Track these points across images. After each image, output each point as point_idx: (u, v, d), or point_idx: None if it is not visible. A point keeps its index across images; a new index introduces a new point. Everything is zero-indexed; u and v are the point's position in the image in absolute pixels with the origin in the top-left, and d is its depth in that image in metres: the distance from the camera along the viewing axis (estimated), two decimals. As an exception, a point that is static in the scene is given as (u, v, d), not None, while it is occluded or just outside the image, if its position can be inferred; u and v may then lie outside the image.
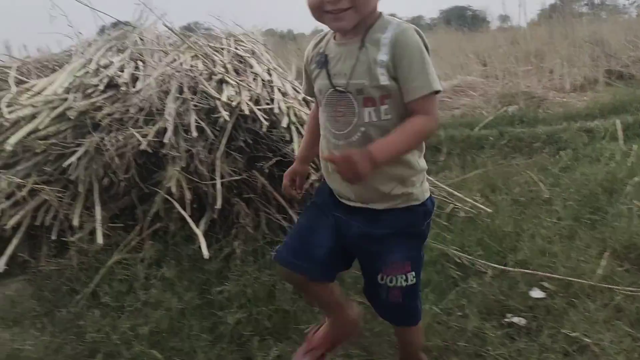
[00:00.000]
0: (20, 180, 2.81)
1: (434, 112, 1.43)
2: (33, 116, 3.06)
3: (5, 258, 2.73)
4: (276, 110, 3.09)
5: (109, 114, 3.06)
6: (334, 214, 1.58)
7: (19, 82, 3.47)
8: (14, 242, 2.83)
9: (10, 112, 2.88)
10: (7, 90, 3.29)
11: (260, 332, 2.08)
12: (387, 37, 1.40)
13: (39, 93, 3.22)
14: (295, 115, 3.07)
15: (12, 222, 2.78)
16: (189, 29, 5.52)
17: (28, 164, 2.93)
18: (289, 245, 1.64)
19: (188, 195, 2.75)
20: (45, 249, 2.95)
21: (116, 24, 4.35)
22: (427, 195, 1.57)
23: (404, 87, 1.40)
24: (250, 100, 3.10)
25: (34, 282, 2.73)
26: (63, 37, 4.32)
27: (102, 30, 4.66)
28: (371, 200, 1.51)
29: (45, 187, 2.87)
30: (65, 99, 3.18)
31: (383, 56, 1.40)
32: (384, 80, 1.41)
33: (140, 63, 3.61)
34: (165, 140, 2.73)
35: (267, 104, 3.17)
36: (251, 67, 3.62)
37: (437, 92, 1.41)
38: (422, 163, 1.54)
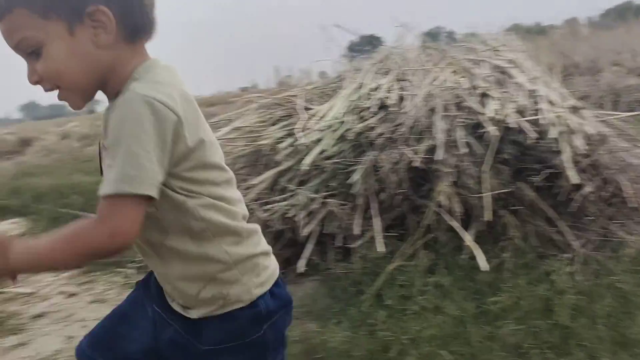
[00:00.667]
0: (313, 195, 3.32)
1: (111, 221, 0.93)
2: (318, 139, 3.59)
3: (304, 260, 3.26)
4: (542, 121, 3.06)
5: (380, 134, 3.42)
6: (154, 307, 1.20)
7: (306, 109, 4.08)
8: (309, 247, 3.36)
9: (304, 137, 3.43)
10: (296, 117, 3.91)
11: (540, 345, 2.12)
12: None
13: (322, 118, 3.76)
14: (567, 125, 2.99)
15: (307, 230, 3.30)
16: (431, 35, 5.72)
17: (317, 180, 3.44)
18: (93, 333, 1.31)
19: (457, 208, 2.91)
20: (332, 254, 3.44)
21: (366, 38, 4.78)
22: (259, 292, 1.12)
23: None
24: (515, 111, 3.13)
25: (325, 282, 3.20)
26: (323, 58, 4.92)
27: (352, 46, 5.15)
28: (185, 305, 1.12)
29: (331, 200, 3.34)
30: (342, 122, 3.65)
31: (107, 141, 0.97)
32: None
33: (404, 83, 3.92)
34: (437, 158, 2.94)
35: (533, 114, 3.15)
36: (512, 77, 3.62)
37: (125, 195, 0.91)
38: (243, 250, 1.10)
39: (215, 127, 4.55)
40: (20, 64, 1.00)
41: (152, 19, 1.03)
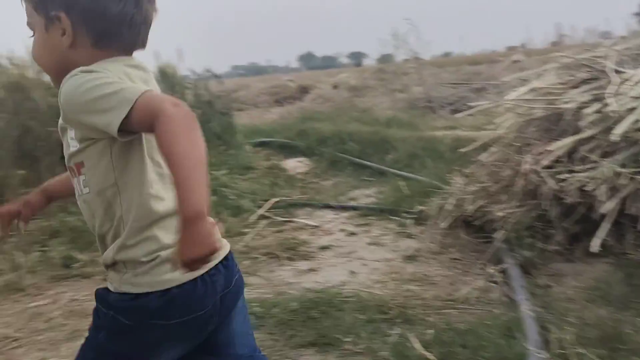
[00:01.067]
0: (620, 169, 2.96)
1: (160, 107, 0.94)
2: (632, 108, 3.16)
3: (598, 240, 2.97)
4: None
5: None
6: None
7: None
8: (605, 226, 3.03)
9: (615, 103, 3.05)
10: (603, 81, 3.49)
11: None
12: None
13: (637, 83, 3.28)
14: None
15: (607, 207, 2.98)
16: None
17: (626, 153, 3.06)
18: None
19: None
20: (630, 237, 3.06)
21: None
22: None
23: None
24: None
25: (621, 267, 2.87)
26: None
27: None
28: None
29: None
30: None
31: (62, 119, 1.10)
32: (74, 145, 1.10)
33: None
34: None
35: None
36: None
37: (138, 100, 0.96)
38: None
39: (509, 86, 4.38)
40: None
41: (126, 31, 1.11)
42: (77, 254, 3.66)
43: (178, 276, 1.06)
